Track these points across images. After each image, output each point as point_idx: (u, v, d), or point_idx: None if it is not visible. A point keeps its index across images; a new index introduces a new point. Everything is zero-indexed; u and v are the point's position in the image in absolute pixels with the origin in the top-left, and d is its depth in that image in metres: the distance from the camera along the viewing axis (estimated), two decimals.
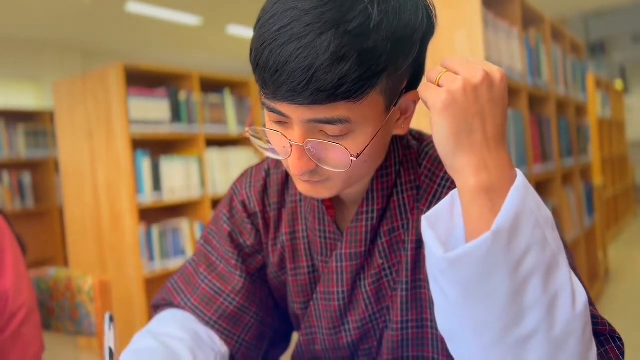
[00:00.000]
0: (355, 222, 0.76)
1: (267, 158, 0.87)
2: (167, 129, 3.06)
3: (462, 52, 1.87)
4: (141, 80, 3.14)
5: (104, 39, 8.62)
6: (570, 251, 0.70)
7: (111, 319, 0.75)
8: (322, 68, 0.57)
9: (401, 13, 0.61)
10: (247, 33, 9.09)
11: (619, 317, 3.23)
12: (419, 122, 2.09)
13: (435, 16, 0.68)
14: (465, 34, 1.87)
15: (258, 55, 0.61)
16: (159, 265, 3.01)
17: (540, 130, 2.52)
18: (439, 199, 0.74)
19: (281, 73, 0.58)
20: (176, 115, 3.12)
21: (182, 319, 0.81)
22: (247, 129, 0.70)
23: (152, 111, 2.99)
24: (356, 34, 0.57)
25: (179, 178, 3.13)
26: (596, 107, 4.92)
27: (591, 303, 0.64)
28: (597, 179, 4.52)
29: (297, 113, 0.61)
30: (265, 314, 0.85)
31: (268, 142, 0.69)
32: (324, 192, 0.69)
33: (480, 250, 0.52)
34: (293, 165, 0.65)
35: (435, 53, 2.07)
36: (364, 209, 0.75)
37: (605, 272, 4.02)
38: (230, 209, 0.86)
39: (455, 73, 0.58)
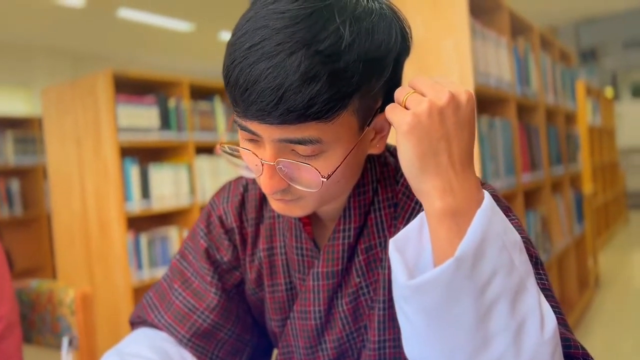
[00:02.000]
0: (332, 240, 0.75)
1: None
2: (156, 137, 3.04)
3: (450, 62, 1.87)
4: (130, 87, 3.12)
5: (95, 45, 8.59)
6: (544, 271, 0.69)
7: (70, 343, 0.74)
8: (292, 88, 0.56)
9: (374, 34, 0.60)
10: None
11: (608, 324, 3.23)
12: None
13: (411, 36, 0.68)
14: (452, 44, 1.86)
15: (229, 73, 0.60)
16: (148, 274, 2.99)
17: (529, 139, 2.52)
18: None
19: (251, 92, 0.58)
20: (165, 123, 3.11)
21: (153, 338, 0.79)
22: (219, 146, 0.69)
23: (141, 118, 2.97)
24: (327, 54, 0.56)
25: (168, 186, 3.11)
26: (586, 114, 4.94)
27: (565, 324, 0.64)
28: (588, 187, 4.54)
29: (267, 132, 0.61)
30: (241, 330, 0.84)
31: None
32: (297, 211, 0.68)
33: (444, 276, 0.52)
34: (264, 184, 0.64)
35: (423, 63, 2.08)
36: (341, 227, 0.74)
37: (596, 279, 4.03)
38: (208, 224, 0.85)
39: (422, 94, 0.57)
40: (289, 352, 0.82)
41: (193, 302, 0.81)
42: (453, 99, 0.56)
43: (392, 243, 0.58)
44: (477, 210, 0.54)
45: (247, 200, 0.84)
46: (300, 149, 0.61)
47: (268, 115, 0.58)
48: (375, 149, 0.69)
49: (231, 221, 0.83)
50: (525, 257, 0.56)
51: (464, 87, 0.58)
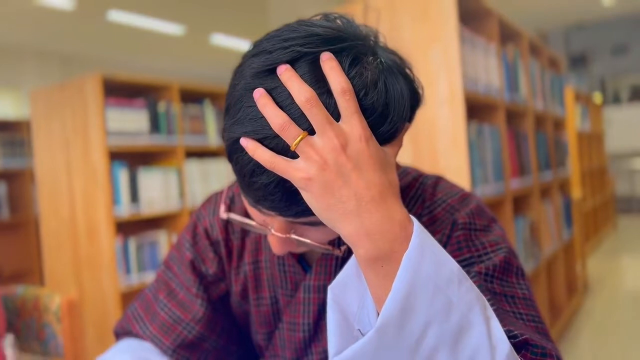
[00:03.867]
0: (325, 254, 0.74)
1: (233, 184, 0.86)
2: (146, 140, 3.03)
3: (438, 68, 1.88)
4: (120, 90, 3.11)
5: (85, 47, 8.55)
6: (525, 280, 0.69)
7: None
8: None
9: (383, 125, 0.58)
10: (230, 42, 9.08)
11: (597, 329, 3.25)
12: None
13: (420, 101, 0.65)
14: (441, 50, 1.87)
15: (232, 156, 0.59)
16: (136, 279, 2.97)
17: (517, 145, 2.53)
18: None
19: (263, 191, 0.57)
20: (155, 126, 3.09)
21: (137, 349, 0.78)
22: (225, 215, 0.69)
23: (131, 122, 2.95)
24: None
25: (158, 190, 3.10)
26: (575, 120, 4.98)
27: (542, 332, 0.63)
28: (576, 192, 4.57)
29: (280, 217, 0.61)
30: (227, 341, 0.83)
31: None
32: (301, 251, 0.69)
33: (368, 347, 0.50)
34: (275, 248, 0.64)
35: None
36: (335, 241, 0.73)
37: (584, 284, 4.05)
38: (194, 235, 0.84)
39: (311, 133, 0.54)
40: None
41: (178, 314, 0.80)
42: (344, 145, 0.53)
43: (330, 291, 0.56)
44: (404, 251, 0.51)
45: (234, 212, 0.83)
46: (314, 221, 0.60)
47: (281, 211, 0.58)
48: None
49: (217, 233, 0.83)
50: (467, 285, 0.53)
51: (357, 122, 0.54)
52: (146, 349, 0.79)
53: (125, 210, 2.89)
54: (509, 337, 0.58)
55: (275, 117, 0.54)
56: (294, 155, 0.54)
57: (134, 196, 2.96)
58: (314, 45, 0.56)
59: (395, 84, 0.58)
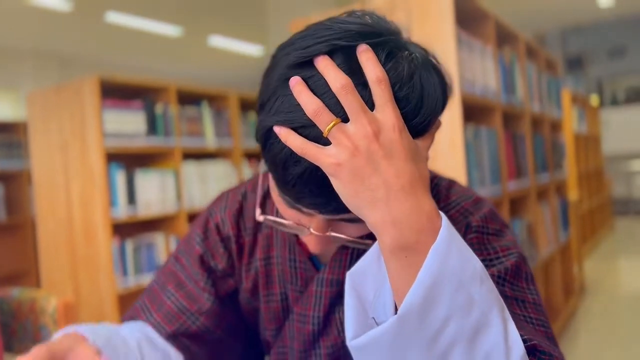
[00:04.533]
0: (342, 248, 0.75)
1: (245, 182, 0.86)
2: (143, 142, 3.03)
3: None
4: (117, 91, 3.11)
5: (82, 49, 8.54)
6: (535, 285, 0.69)
7: None
8: None
9: (416, 117, 0.58)
10: (228, 44, 9.08)
11: (593, 331, 3.26)
12: None
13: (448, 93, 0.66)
14: (437, 52, 1.87)
15: (265, 144, 0.60)
16: (133, 281, 2.96)
17: (514, 147, 2.54)
18: None
19: (299, 186, 0.57)
20: (152, 128, 3.09)
21: (140, 326, 0.79)
22: (262, 218, 0.69)
23: (128, 124, 2.95)
24: None
25: (155, 192, 3.09)
26: (572, 122, 4.99)
27: (549, 337, 0.63)
28: (573, 194, 4.57)
29: (318, 215, 0.61)
30: (231, 338, 0.84)
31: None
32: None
33: (387, 335, 0.50)
34: (313, 246, 0.64)
35: None
36: None
37: (581, 286, 4.06)
38: (205, 230, 0.84)
39: (344, 121, 0.54)
40: (284, 352, 0.82)
41: (184, 304, 0.80)
42: (377, 132, 0.53)
43: (349, 277, 0.56)
44: (430, 243, 0.51)
45: (245, 209, 0.84)
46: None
47: (322, 208, 0.59)
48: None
49: (228, 229, 0.83)
50: (488, 285, 0.53)
51: (391, 111, 0.54)
52: (149, 331, 0.80)
53: (122, 212, 2.89)
54: None
55: (310, 104, 0.54)
56: (326, 143, 0.54)
57: (131, 198, 2.96)
58: (351, 39, 0.57)
59: (429, 79, 0.59)
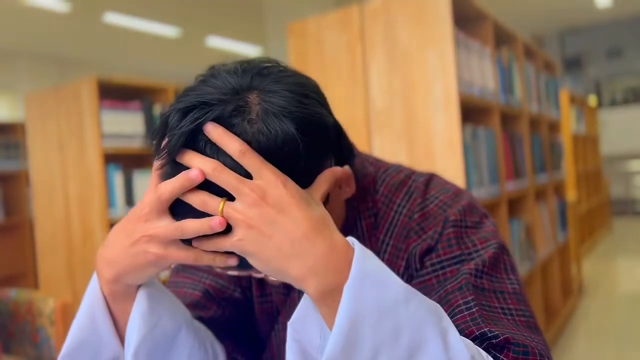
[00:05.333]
0: None
1: None
2: (141, 143, 3.02)
3: (433, 72, 1.88)
4: (115, 92, 3.10)
5: (81, 50, 8.54)
6: (515, 275, 0.69)
7: None
8: None
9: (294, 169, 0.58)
10: (226, 45, 9.08)
11: (592, 331, 3.26)
12: (392, 143, 2.08)
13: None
14: (436, 54, 1.88)
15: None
16: None
17: (512, 147, 2.54)
18: (396, 226, 0.73)
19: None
20: (150, 129, 3.09)
21: None
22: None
23: (126, 125, 2.95)
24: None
25: None
26: (570, 123, 5.00)
27: (529, 326, 0.63)
28: (571, 195, 4.58)
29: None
30: (228, 316, 0.82)
31: None
32: None
33: None
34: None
35: (407, 73, 2.08)
36: None
37: (579, 287, 4.06)
38: None
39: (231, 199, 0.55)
40: None
41: (187, 281, 0.82)
42: (261, 193, 0.53)
43: (290, 327, 0.56)
44: (344, 279, 0.51)
45: None
46: None
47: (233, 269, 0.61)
48: (348, 193, 0.68)
49: None
50: (415, 301, 0.52)
51: (268, 172, 0.54)
52: None
53: (120, 212, 2.88)
54: (490, 338, 0.59)
55: (195, 199, 0.55)
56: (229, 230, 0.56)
57: (129, 199, 2.95)
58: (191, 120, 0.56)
59: (280, 128, 0.56)
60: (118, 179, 2.90)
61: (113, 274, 0.62)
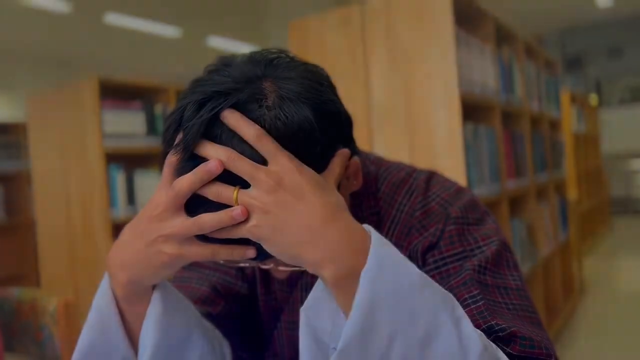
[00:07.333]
0: None
1: None
2: (142, 143, 3.03)
3: (435, 70, 1.88)
4: (116, 92, 3.11)
5: (81, 50, 8.54)
6: (518, 271, 0.70)
7: None
8: None
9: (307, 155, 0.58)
10: (227, 45, 9.08)
11: (593, 330, 3.26)
12: (394, 141, 2.08)
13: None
14: (437, 52, 1.88)
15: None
16: None
17: (513, 146, 2.54)
18: (398, 224, 0.73)
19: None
20: (152, 129, 3.09)
21: None
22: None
23: (127, 125, 2.96)
24: None
25: (154, 192, 3.09)
26: (571, 122, 5.00)
27: (533, 322, 0.64)
28: (572, 193, 4.58)
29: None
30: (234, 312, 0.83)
31: None
32: None
33: None
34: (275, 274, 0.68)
35: (408, 71, 2.08)
36: None
37: (580, 285, 4.06)
38: None
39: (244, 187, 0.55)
40: None
41: (193, 275, 0.82)
42: (277, 179, 0.53)
43: (303, 314, 0.56)
44: (360, 266, 0.51)
45: None
46: None
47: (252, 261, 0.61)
48: (355, 185, 0.68)
49: None
50: (431, 289, 0.53)
51: (283, 157, 0.54)
52: None
53: (121, 212, 2.89)
54: (497, 331, 0.59)
55: (209, 191, 0.55)
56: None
57: (131, 199, 2.96)
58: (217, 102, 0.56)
59: (297, 113, 0.56)
60: (120, 178, 2.90)
61: (127, 277, 0.61)
